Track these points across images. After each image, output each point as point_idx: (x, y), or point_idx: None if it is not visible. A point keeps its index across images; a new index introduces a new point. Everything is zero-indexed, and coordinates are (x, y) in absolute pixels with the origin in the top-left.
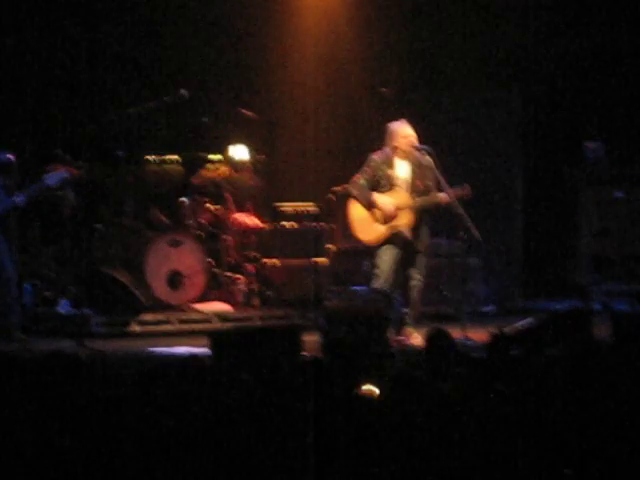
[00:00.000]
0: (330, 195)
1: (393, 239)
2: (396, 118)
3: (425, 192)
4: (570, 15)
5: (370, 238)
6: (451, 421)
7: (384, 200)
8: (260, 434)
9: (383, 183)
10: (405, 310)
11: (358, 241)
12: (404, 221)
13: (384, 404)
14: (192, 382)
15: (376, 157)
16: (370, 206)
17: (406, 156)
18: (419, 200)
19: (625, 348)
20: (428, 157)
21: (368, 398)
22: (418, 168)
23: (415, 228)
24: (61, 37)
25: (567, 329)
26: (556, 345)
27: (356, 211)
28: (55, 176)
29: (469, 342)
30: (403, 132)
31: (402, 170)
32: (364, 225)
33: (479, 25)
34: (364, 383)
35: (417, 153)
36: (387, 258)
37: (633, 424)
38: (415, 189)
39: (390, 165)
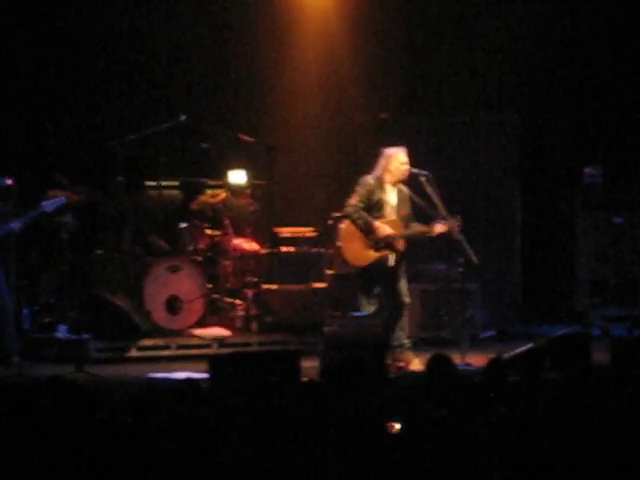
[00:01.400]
0: (329, 220)
1: (381, 265)
2: (394, 143)
3: (407, 221)
4: (568, 39)
5: (360, 262)
6: (450, 446)
7: (385, 227)
8: (257, 458)
9: (375, 207)
10: (401, 335)
11: (350, 263)
12: (398, 248)
13: (382, 430)
14: (190, 407)
15: (371, 180)
16: (368, 230)
17: (395, 183)
18: (411, 229)
19: (623, 373)
20: (422, 180)
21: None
22: (402, 197)
23: (401, 256)
24: (61, 61)
25: (565, 354)
26: (554, 370)
27: (349, 234)
28: (53, 202)
29: (469, 367)
30: (401, 159)
31: (391, 197)
32: (355, 249)
33: (478, 49)
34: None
35: (400, 184)
36: (377, 284)
37: (630, 448)
38: (400, 217)
39: (383, 190)
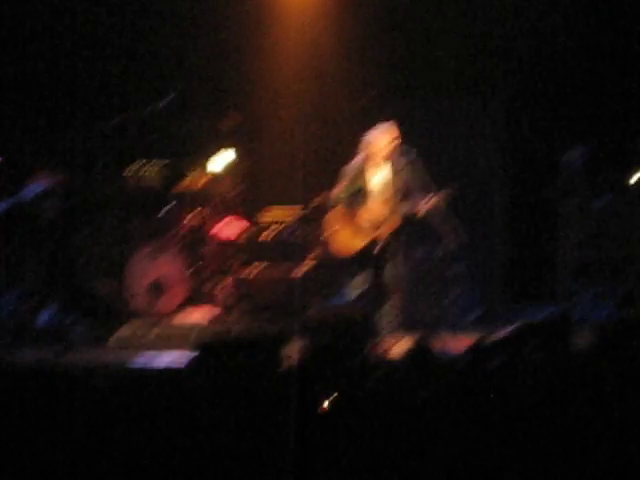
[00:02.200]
0: (311, 205)
1: (370, 250)
2: (377, 124)
3: (407, 197)
4: (552, 21)
5: (349, 249)
6: (431, 431)
7: (366, 212)
8: (240, 442)
9: (360, 194)
10: (383, 320)
11: (337, 252)
12: (384, 232)
13: (364, 413)
14: (172, 393)
15: (352, 168)
16: (352, 218)
17: (384, 164)
18: (398, 208)
19: (604, 356)
20: (406, 162)
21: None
22: (395, 175)
23: (393, 236)
24: (46, 45)
25: (547, 338)
26: (535, 354)
27: (336, 222)
28: (36, 187)
29: (450, 352)
30: (388, 137)
31: (377, 179)
32: (344, 237)
33: (460, 31)
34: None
35: (398, 158)
36: (364, 268)
37: (612, 430)
38: (396, 195)
39: (367, 175)
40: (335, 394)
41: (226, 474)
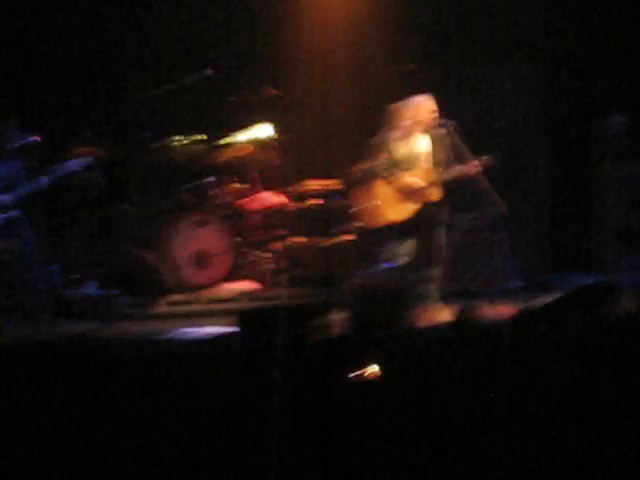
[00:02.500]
0: (354, 173)
1: (418, 217)
2: (416, 93)
3: (447, 166)
4: None
5: (397, 217)
6: (475, 398)
7: (411, 179)
8: (287, 413)
9: (405, 161)
10: (427, 288)
11: (385, 220)
12: (432, 197)
13: (406, 384)
14: (220, 362)
15: (392, 136)
16: (392, 188)
17: (427, 130)
18: (444, 174)
19: None
20: (449, 131)
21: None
22: (439, 142)
23: (440, 203)
24: (85, 19)
25: (593, 303)
26: (582, 320)
27: (382, 192)
28: (79, 162)
29: (493, 320)
30: (428, 106)
31: (423, 145)
32: (391, 205)
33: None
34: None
35: (437, 127)
36: (407, 238)
37: None
38: (438, 163)
39: (410, 141)
40: (372, 365)
41: (266, 441)
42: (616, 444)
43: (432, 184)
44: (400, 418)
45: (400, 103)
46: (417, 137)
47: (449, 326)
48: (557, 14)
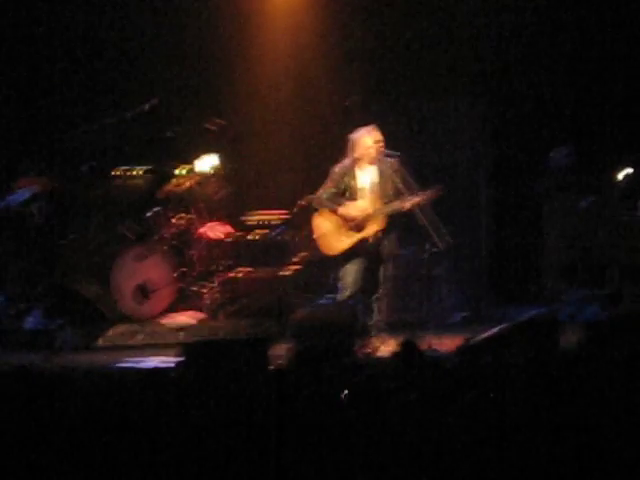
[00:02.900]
0: (296, 206)
1: (358, 250)
2: (362, 125)
3: (392, 198)
4: (535, 21)
5: (336, 250)
6: (420, 430)
7: (350, 210)
8: (226, 444)
9: (348, 194)
10: (372, 320)
11: (324, 253)
12: (370, 231)
13: (350, 414)
14: (159, 395)
15: (338, 169)
16: (338, 219)
17: (373, 163)
18: (386, 207)
19: (591, 356)
20: (395, 162)
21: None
22: (384, 175)
23: (381, 237)
24: (28, 51)
25: (533, 337)
26: (523, 353)
27: (321, 224)
28: (20, 195)
29: (437, 352)
30: (372, 138)
31: (368, 178)
32: (330, 238)
33: (444, 31)
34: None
35: (384, 159)
36: (352, 269)
37: (599, 428)
38: (382, 196)
39: (353, 175)
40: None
41: (210, 473)
42: (560, 474)
43: (377, 216)
44: (349, 448)
45: (348, 135)
46: (363, 168)
47: (395, 357)
48: (501, 45)
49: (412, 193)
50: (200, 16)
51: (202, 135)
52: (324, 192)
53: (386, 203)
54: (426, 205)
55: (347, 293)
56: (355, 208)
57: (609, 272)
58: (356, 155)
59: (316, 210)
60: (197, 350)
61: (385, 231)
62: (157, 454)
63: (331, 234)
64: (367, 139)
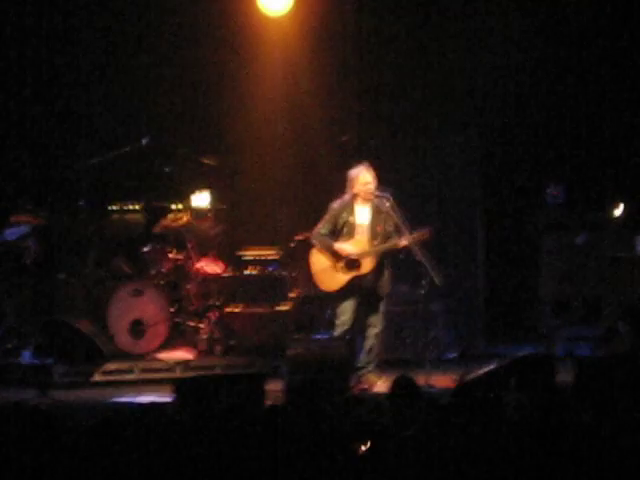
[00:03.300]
0: (291, 243)
1: (354, 287)
2: (355, 163)
3: (386, 237)
4: (527, 58)
5: (332, 287)
6: (416, 467)
7: (345, 248)
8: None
9: (345, 231)
10: (367, 357)
11: (320, 290)
12: (366, 268)
13: (346, 450)
14: (155, 431)
15: (336, 205)
16: (333, 255)
17: (366, 202)
18: (380, 246)
19: (587, 393)
20: (387, 202)
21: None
22: (378, 214)
23: (376, 274)
24: (23, 84)
25: (529, 375)
26: (519, 391)
27: (318, 261)
28: (16, 231)
29: (432, 389)
30: (363, 179)
31: (362, 216)
32: (326, 274)
33: (437, 70)
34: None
35: (377, 199)
36: (347, 306)
37: (594, 467)
38: (376, 235)
39: (350, 212)
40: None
41: None
42: None
43: (372, 253)
44: None
45: (345, 171)
46: (356, 207)
47: (384, 397)
48: (494, 84)
49: (404, 232)
50: (195, 51)
51: (197, 171)
52: (322, 227)
53: (379, 241)
54: (420, 243)
55: (343, 329)
56: (351, 245)
57: (604, 309)
58: (354, 191)
59: (313, 246)
60: (189, 387)
61: (379, 270)
62: None
63: (327, 270)
64: (366, 175)
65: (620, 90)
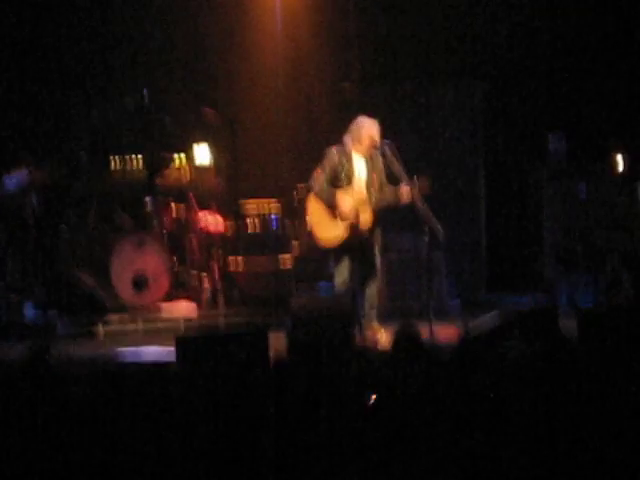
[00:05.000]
0: (294, 192)
1: (351, 238)
2: (357, 113)
3: (381, 188)
4: (533, 7)
5: (329, 236)
6: (419, 422)
7: (345, 198)
8: (224, 435)
9: (342, 177)
10: (369, 310)
11: (319, 239)
12: (364, 219)
13: (349, 405)
14: (159, 384)
15: (335, 151)
16: (331, 203)
17: (365, 152)
18: (379, 197)
19: (590, 343)
20: (389, 150)
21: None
22: (375, 164)
23: (374, 226)
24: (23, 40)
25: (534, 326)
26: (524, 343)
27: (316, 208)
28: (14, 178)
29: (436, 341)
30: (371, 131)
31: (360, 166)
32: (324, 222)
33: (440, 16)
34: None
35: (373, 150)
36: (344, 267)
37: (601, 419)
38: (372, 185)
39: (349, 159)
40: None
41: (208, 469)
42: (561, 472)
43: (367, 204)
44: (345, 441)
45: (344, 123)
46: (355, 156)
47: (393, 346)
48: (497, 31)
49: (403, 182)
50: (196, 7)
51: (197, 124)
52: (322, 174)
53: (379, 193)
54: (421, 194)
55: (342, 281)
56: (350, 194)
57: (608, 258)
58: (358, 140)
59: (313, 198)
60: (190, 342)
61: (377, 221)
62: (153, 448)
63: (325, 221)
64: (373, 130)
65: (621, 41)
